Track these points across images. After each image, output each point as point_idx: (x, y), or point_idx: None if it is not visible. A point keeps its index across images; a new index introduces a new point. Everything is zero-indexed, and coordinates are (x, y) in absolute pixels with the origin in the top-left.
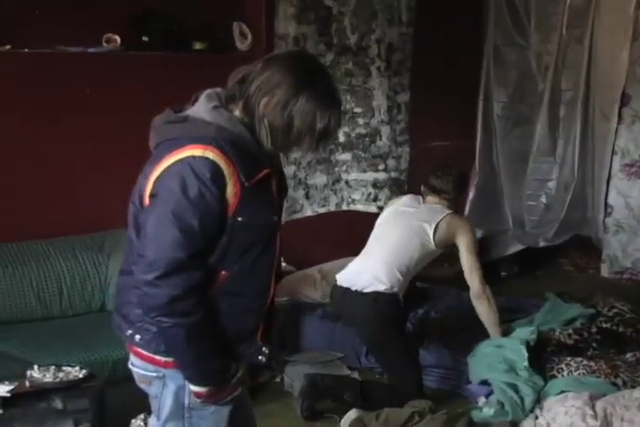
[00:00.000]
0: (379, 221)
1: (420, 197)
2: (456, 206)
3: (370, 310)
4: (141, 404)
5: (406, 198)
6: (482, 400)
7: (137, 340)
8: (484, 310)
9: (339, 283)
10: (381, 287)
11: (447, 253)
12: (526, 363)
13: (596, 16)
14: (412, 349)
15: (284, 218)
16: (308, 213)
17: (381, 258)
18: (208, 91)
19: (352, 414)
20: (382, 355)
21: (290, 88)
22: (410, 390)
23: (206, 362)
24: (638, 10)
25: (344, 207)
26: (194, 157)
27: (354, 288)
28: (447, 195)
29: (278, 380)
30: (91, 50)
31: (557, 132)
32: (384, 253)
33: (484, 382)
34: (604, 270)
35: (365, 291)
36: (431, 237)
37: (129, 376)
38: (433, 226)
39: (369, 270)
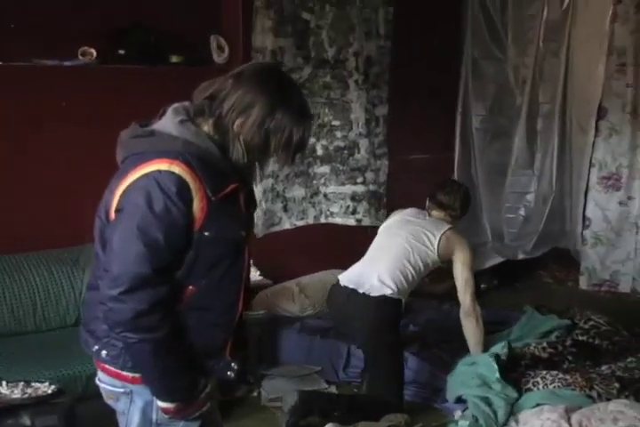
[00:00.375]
0: (383, 228)
1: (425, 212)
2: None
3: (375, 314)
4: (113, 420)
5: (411, 210)
6: (457, 414)
7: (103, 356)
8: (472, 327)
9: (343, 284)
10: (388, 292)
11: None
12: (497, 375)
13: (572, 30)
14: (402, 357)
15: (261, 231)
16: (286, 226)
17: (388, 263)
18: (175, 105)
19: None
20: (376, 360)
21: (264, 107)
22: (393, 399)
23: (173, 378)
24: (613, 24)
25: (322, 220)
26: (160, 171)
27: (361, 290)
28: (453, 211)
29: (255, 394)
30: (66, 63)
31: (535, 144)
32: (390, 257)
33: (460, 400)
34: (583, 283)
35: (373, 294)
36: (435, 247)
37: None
38: (438, 236)
39: (375, 274)
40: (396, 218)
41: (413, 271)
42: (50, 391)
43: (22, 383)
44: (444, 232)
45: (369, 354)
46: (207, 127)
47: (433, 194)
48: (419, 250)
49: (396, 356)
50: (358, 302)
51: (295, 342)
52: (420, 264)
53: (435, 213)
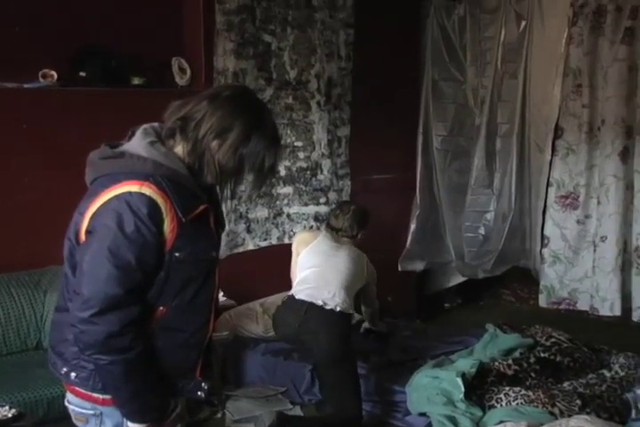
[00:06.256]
0: (315, 249)
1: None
2: (361, 243)
3: (336, 327)
4: None
5: (326, 234)
6: None
7: (72, 378)
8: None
9: (300, 297)
10: (344, 306)
11: None
12: (462, 396)
13: (529, 52)
14: (357, 370)
15: (225, 252)
16: (250, 246)
17: (338, 282)
18: (145, 126)
19: None
20: (338, 373)
21: (241, 132)
22: (353, 415)
23: (144, 398)
24: (569, 46)
25: (286, 241)
26: (130, 192)
27: (327, 307)
28: (345, 232)
29: (219, 416)
30: (27, 85)
31: (494, 164)
32: (340, 277)
33: (423, 414)
34: (542, 301)
35: (334, 309)
36: (365, 269)
37: (64, 415)
38: (365, 261)
39: (333, 292)
40: (323, 241)
41: (355, 289)
42: (10, 415)
43: None
44: (366, 258)
45: (332, 369)
46: (179, 149)
47: (327, 219)
48: (359, 271)
49: (355, 368)
50: (320, 316)
51: (259, 364)
52: (358, 284)
53: (335, 235)
